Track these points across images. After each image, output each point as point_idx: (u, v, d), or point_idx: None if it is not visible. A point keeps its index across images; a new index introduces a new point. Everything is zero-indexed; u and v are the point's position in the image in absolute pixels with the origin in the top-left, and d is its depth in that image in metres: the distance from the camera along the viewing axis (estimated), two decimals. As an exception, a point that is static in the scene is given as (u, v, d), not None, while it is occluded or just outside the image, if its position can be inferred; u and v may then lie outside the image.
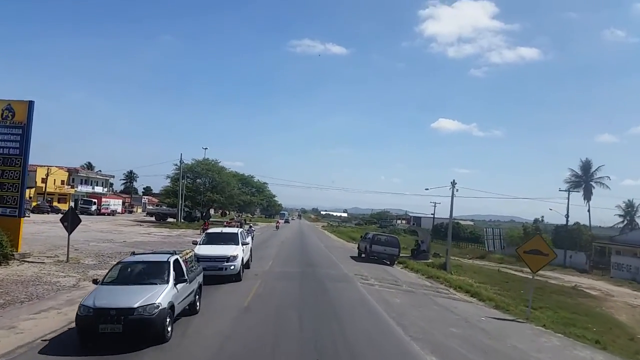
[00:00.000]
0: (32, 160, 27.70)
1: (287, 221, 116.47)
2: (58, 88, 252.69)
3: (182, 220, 64.66)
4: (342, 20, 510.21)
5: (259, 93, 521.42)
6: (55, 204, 75.59)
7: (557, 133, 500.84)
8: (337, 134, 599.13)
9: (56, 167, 76.98)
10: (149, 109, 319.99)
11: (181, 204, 63.54)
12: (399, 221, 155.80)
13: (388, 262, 30.72)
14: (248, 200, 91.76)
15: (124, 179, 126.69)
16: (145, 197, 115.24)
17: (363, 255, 32.84)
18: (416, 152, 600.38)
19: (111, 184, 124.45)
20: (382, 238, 31.21)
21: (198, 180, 71.77)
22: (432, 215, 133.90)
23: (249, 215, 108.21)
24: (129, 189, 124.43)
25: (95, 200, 73.88)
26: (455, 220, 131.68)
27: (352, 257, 33.23)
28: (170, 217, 67.70)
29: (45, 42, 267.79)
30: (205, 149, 67.74)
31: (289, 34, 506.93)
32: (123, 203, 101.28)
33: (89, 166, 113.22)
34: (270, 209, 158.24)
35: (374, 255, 30.13)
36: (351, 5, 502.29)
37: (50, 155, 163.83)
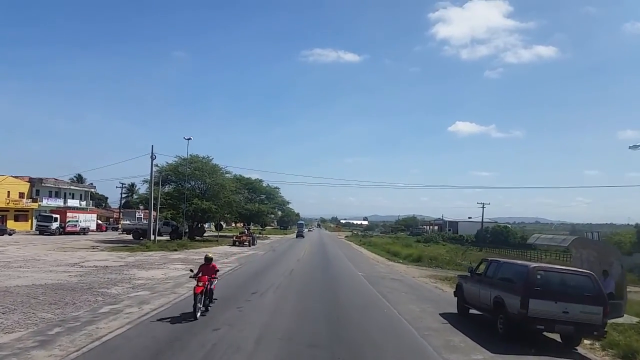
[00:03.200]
0: None
1: (300, 234, 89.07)
2: (76, 108, 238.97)
3: (158, 238, 45.31)
4: (354, 28, 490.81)
5: (273, 105, 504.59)
6: (10, 222, 57.00)
7: (579, 131, 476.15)
8: (353, 142, 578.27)
9: (11, 176, 58.45)
10: (164, 125, 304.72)
11: (153, 215, 44.11)
12: (429, 227, 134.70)
13: (558, 338, 10.89)
14: (256, 209, 72.19)
15: (126, 193, 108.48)
16: (142, 211, 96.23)
17: (481, 312, 12.69)
18: (434, 157, 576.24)
19: (106, 198, 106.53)
20: (558, 278, 10.75)
21: (187, 184, 52.47)
22: (470, 219, 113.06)
23: (258, 227, 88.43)
24: (129, 203, 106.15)
25: (58, 216, 55.00)
26: (502, 223, 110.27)
27: (456, 326, 12.49)
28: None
29: (61, 64, 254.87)
30: (189, 139, 47.83)
31: (299, 44, 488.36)
32: (108, 219, 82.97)
33: (79, 179, 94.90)
34: (287, 219, 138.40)
35: (538, 324, 10.03)
36: (361, 12, 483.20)
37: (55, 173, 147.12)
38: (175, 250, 38.63)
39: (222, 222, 60.95)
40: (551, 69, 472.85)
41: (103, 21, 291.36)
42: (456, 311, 14.13)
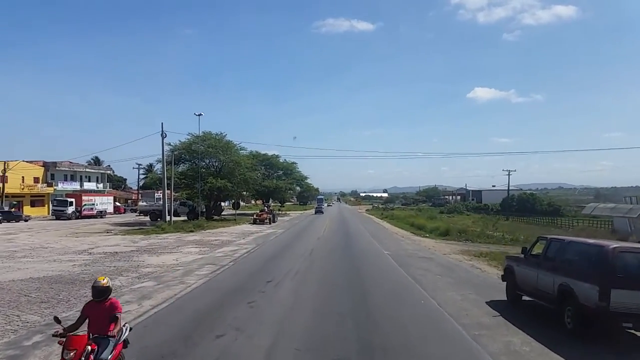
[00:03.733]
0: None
1: (319, 210, 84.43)
2: (86, 87, 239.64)
3: (175, 219, 44.03)
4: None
5: (287, 80, 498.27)
6: (27, 208, 56.42)
7: (601, 92, 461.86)
8: (370, 114, 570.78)
9: (24, 161, 57.56)
10: (176, 101, 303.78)
11: (167, 195, 42.68)
12: (451, 197, 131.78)
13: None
14: (274, 185, 70.53)
15: (144, 174, 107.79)
16: (161, 191, 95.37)
17: (539, 301, 10.40)
18: (453, 125, 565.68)
19: (125, 179, 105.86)
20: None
21: (202, 162, 50.78)
22: (494, 187, 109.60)
23: (277, 203, 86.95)
24: (148, 185, 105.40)
25: (73, 200, 54.12)
26: (526, 190, 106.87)
27: (511, 320, 9.87)
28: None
29: (71, 43, 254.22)
30: (200, 115, 45.93)
31: (311, 15, 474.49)
32: (126, 200, 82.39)
33: (96, 161, 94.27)
34: (306, 194, 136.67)
35: (624, 321, 7.94)
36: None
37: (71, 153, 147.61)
38: (192, 231, 37.29)
39: (239, 200, 59.35)
40: (571, 30, 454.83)
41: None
42: (504, 298, 12.01)
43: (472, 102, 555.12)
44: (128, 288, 14.14)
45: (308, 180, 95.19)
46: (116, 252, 23.70)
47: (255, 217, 50.39)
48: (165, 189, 41.90)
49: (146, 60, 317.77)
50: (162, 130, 40.60)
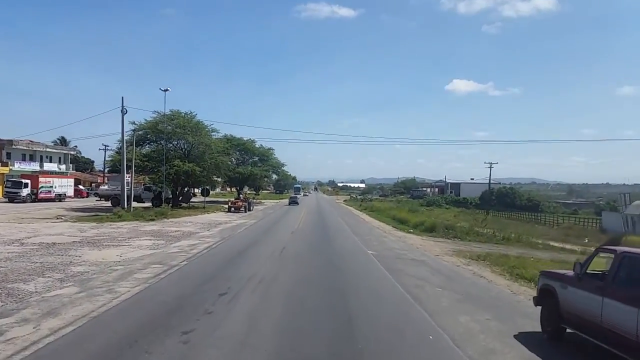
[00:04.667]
0: None
1: (294, 201, 74.86)
2: (69, 71, 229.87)
3: (139, 205, 40.08)
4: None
5: (266, 66, 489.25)
6: (-24, 188, 51.43)
7: (577, 87, 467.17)
8: (348, 103, 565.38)
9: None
10: (155, 85, 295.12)
11: (127, 179, 38.64)
12: (430, 189, 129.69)
13: None
14: (248, 172, 66.68)
15: (112, 156, 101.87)
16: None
17: (595, 341, 7.20)
18: (431, 117, 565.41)
19: (92, 162, 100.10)
20: None
21: (169, 144, 46.43)
22: (473, 181, 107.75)
23: (252, 191, 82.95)
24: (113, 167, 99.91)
25: (29, 182, 49.35)
26: (507, 185, 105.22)
27: None
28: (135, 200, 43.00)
29: (51, 24, 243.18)
30: (166, 90, 41.42)
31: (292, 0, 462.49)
32: (91, 184, 77.33)
33: (62, 141, 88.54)
34: (283, 183, 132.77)
35: None
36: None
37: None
38: (152, 219, 33.58)
39: (208, 187, 55.35)
40: (550, 23, 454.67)
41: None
42: (536, 327, 8.74)
43: (450, 95, 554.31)
44: (39, 296, 10.56)
45: (285, 168, 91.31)
46: (54, 243, 19.95)
47: (229, 204, 48.51)
48: (125, 171, 37.72)
49: (124, 40, 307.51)
50: (122, 106, 36.25)
